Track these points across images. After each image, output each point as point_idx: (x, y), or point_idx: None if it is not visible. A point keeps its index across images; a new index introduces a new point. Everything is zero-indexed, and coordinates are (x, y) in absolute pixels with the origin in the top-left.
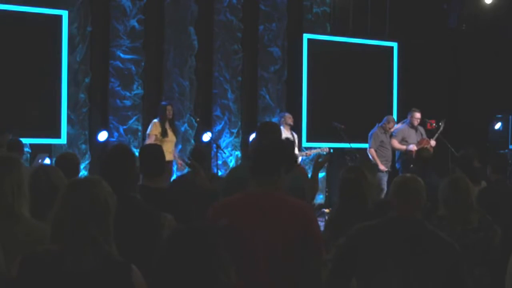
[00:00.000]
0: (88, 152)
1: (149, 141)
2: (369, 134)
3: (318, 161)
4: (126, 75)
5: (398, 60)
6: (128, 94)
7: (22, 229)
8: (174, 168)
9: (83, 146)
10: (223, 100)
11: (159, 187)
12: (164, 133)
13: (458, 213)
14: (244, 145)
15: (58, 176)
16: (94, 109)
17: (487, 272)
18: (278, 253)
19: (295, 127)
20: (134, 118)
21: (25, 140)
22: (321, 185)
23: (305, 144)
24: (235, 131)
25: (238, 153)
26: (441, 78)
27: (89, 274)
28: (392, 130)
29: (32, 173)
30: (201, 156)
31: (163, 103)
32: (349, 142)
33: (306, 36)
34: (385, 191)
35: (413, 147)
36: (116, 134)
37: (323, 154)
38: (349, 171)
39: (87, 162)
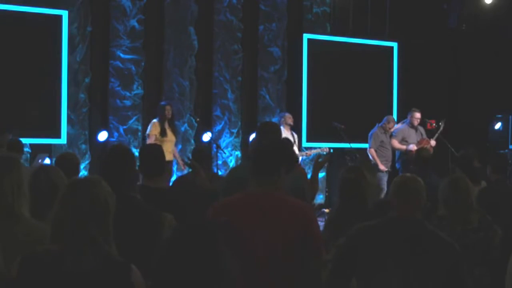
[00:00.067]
0: (88, 152)
1: (149, 141)
2: (369, 134)
3: (318, 161)
4: (126, 75)
5: (398, 60)
6: (128, 94)
7: (22, 229)
8: (174, 168)
9: (83, 146)
10: (223, 100)
11: (159, 187)
12: (163, 133)
13: (458, 213)
14: (244, 145)
15: (59, 176)
16: (94, 109)
17: (487, 272)
18: (278, 253)
19: (295, 127)
20: (134, 118)
21: (25, 140)
22: (321, 185)
23: (305, 144)
24: (235, 131)
25: (238, 153)
26: (441, 78)
27: (89, 274)
28: (392, 130)
29: (32, 173)
30: (201, 156)
31: (162, 103)
32: (349, 142)
33: (306, 36)
34: (385, 191)
35: (413, 147)
36: (116, 134)
37: (323, 154)
38: (349, 171)
39: (87, 162)
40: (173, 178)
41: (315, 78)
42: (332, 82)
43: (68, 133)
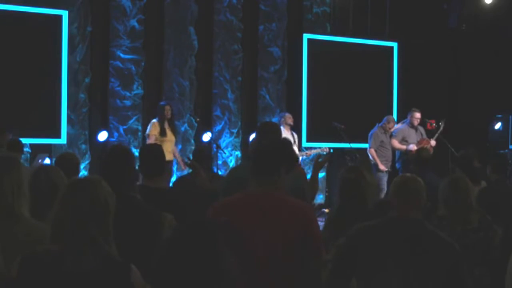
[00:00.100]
0: (88, 152)
1: (149, 141)
2: (369, 134)
3: (318, 161)
4: (126, 75)
5: (398, 60)
6: (128, 94)
7: (22, 229)
8: (174, 168)
9: (83, 146)
10: (223, 100)
11: (159, 187)
12: (162, 133)
13: (458, 213)
14: (244, 145)
15: (59, 176)
16: (94, 109)
17: (487, 272)
18: (278, 253)
19: (295, 127)
20: (134, 118)
21: (25, 140)
22: (321, 185)
23: (305, 144)
24: (235, 131)
25: (238, 153)
26: (441, 78)
27: (89, 274)
28: (392, 130)
29: (32, 173)
30: (201, 156)
31: (162, 103)
32: (349, 142)
33: (306, 36)
34: (385, 191)
35: (413, 147)
36: (116, 134)
37: (323, 154)
38: (348, 171)
39: (87, 162)
40: (173, 178)
41: (315, 78)
42: (332, 82)
43: (68, 133)
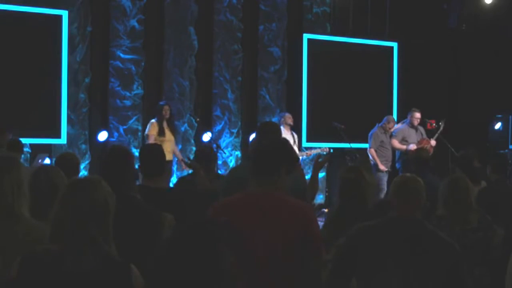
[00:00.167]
0: (88, 152)
1: (149, 141)
2: (369, 134)
3: (318, 161)
4: (126, 75)
5: (398, 60)
6: (128, 94)
7: (22, 229)
8: (174, 168)
9: (83, 146)
10: (223, 100)
11: (159, 187)
12: (161, 133)
13: (458, 213)
14: (244, 145)
15: (59, 176)
16: (94, 109)
17: (487, 272)
18: (278, 253)
19: (295, 127)
20: (134, 118)
21: (25, 140)
22: (321, 185)
23: (305, 144)
24: (235, 131)
25: (238, 153)
26: (441, 78)
27: (89, 274)
28: (392, 130)
29: (32, 173)
30: (202, 156)
31: (160, 103)
32: (349, 142)
33: (306, 36)
34: (385, 191)
35: (413, 147)
36: (116, 134)
37: (323, 154)
38: (348, 171)
39: (87, 162)
40: (173, 178)
41: (315, 78)
42: (332, 82)
43: (68, 133)
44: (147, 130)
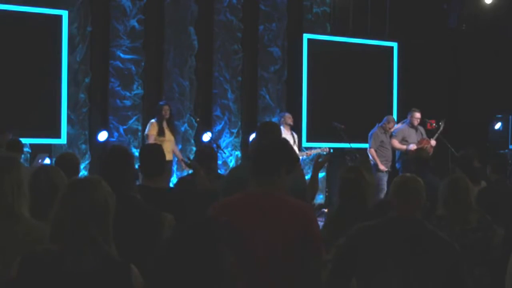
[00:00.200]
0: (88, 152)
1: (148, 141)
2: (369, 134)
3: (318, 161)
4: (126, 75)
5: (398, 60)
6: (128, 94)
7: (22, 229)
8: (174, 168)
9: (83, 146)
10: (223, 100)
11: (159, 187)
12: (161, 133)
13: (458, 213)
14: (244, 145)
15: (59, 176)
16: (94, 109)
17: (487, 272)
18: (278, 253)
19: (295, 127)
20: (134, 118)
21: (25, 140)
22: (321, 185)
23: (305, 144)
24: (235, 131)
25: (238, 153)
26: (441, 78)
27: (89, 274)
28: (392, 130)
29: (32, 173)
30: (202, 156)
31: (160, 103)
32: (349, 142)
33: (306, 36)
34: (385, 191)
35: (413, 147)
36: (116, 134)
37: (323, 154)
38: (348, 171)
39: (87, 162)
40: (173, 178)
41: (315, 78)
42: (332, 82)
43: (68, 133)
44: (147, 130)
